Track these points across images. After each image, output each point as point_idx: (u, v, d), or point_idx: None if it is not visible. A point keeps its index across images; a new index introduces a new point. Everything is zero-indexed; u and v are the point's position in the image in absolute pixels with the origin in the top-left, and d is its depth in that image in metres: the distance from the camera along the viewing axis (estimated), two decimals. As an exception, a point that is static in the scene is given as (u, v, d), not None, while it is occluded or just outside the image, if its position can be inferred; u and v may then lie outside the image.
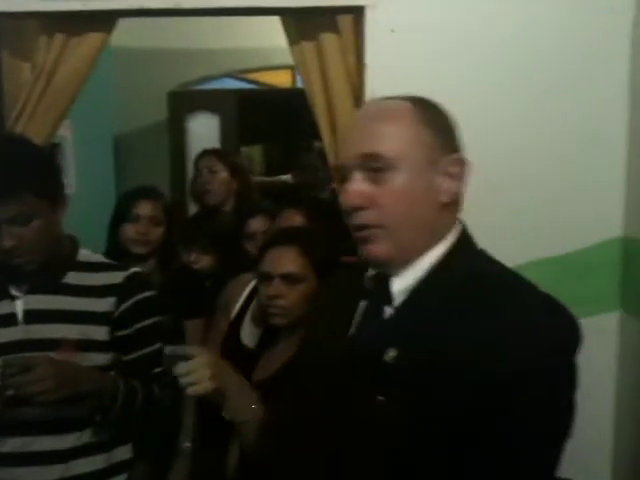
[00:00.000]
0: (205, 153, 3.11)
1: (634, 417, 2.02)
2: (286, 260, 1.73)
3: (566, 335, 0.94)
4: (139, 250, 2.30)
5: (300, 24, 2.11)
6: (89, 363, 1.48)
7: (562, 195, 2.09)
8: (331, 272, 1.35)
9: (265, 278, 1.76)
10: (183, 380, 1.14)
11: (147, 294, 1.60)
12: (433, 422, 0.91)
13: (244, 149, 4.80)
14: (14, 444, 1.47)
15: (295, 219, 2.03)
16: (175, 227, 2.44)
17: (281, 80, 5.11)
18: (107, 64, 3.71)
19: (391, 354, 0.96)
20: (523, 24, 2.05)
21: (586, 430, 2.09)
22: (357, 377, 1.01)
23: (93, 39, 2.12)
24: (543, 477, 0.94)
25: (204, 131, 4.29)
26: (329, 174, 2.47)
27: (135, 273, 1.61)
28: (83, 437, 1.51)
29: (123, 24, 2.18)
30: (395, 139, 0.99)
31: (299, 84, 4.52)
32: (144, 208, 2.32)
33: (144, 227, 2.30)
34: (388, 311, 1.03)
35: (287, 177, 4.56)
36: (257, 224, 2.46)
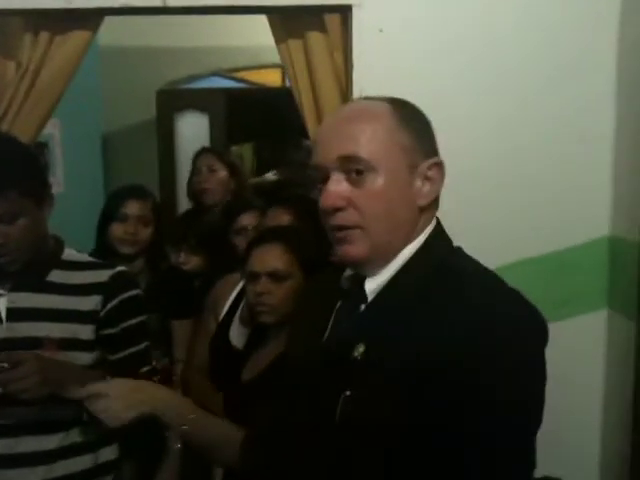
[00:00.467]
0: (204, 151, 3.04)
1: (622, 414, 2.03)
2: (272, 257, 1.73)
3: (536, 329, 0.95)
4: (127, 250, 2.28)
5: (287, 23, 2.10)
6: (73, 362, 1.47)
7: (549, 195, 2.09)
8: (319, 269, 1.35)
9: (252, 277, 1.76)
10: (100, 416, 1.15)
11: (133, 293, 1.60)
12: (396, 418, 0.92)
13: (234, 148, 4.78)
14: (0, 446, 1.46)
15: (283, 217, 2.02)
16: (164, 227, 2.43)
17: (271, 79, 5.10)
18: (95, 63, 3.69)
19: (360, 349, 0.98)
20: (511, 24, 2.05)
21: (574, 428, 2.11)
22: (329, 374, 1.02)
23: (78, 37, 2.10)
24: (518, 469, 0.93)
25: (193, 130, 4.27)
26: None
27: (120, 272, 1.60)
28: (69, 437, 1.51)
29: (110, 22, 2.17)
30: (374, 141, 0.99)
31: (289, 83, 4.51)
32: (133, 208, 2.30)
33: (132, 227, 2.28)
34: (362, 310, 1.05)
35: (270, 174, 4.53)
36: (247, 219, 2.44)
